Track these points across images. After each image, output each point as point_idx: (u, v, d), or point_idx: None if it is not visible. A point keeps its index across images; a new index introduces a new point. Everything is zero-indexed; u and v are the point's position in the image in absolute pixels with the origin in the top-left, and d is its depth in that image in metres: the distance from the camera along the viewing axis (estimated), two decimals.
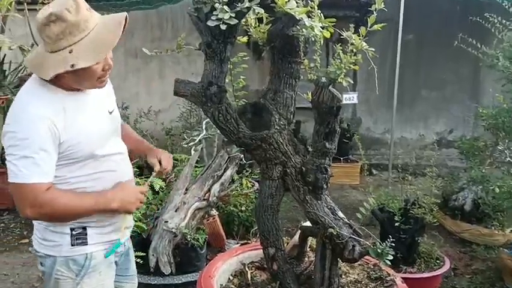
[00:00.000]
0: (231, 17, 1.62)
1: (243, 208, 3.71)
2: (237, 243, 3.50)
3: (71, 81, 1.59)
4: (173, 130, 5.63)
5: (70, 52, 1.51)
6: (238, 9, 1.63)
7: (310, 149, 2.15)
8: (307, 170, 1.96)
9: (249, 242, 3.51)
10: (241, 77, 3.06)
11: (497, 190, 3.30)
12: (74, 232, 1.66)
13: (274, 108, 1.97)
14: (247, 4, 1.64)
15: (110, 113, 1.79)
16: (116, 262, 1.86)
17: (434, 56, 6.54)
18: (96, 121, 1.69)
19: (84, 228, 1.68)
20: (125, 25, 1.60)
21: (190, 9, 1.86)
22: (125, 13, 1.63)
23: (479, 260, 3.91)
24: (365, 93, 6.58)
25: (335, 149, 1.99)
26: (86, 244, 1.68)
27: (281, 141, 1.96)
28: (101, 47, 1.55)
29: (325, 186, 1.98)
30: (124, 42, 6.53)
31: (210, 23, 1.63)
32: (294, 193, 2.00)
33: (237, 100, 3.17)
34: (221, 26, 1.62)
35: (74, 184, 1.64)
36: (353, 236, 1.88)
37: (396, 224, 2.98)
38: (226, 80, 3.16)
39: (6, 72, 4.83)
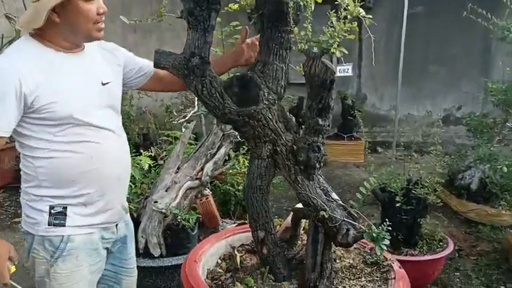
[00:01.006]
0: None
1: (240, 187, 3.59)
2: (234, 223, 3.40)
3: (66, 30, 1.55)
4: (172, 106, 5.50)
5: None
6: None
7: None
8: (298, 149, 1.83)
9: (246, 222, 3.40)
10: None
11: (505, 169, 3.15)
12: (53, 211, 1.59)
13: (262, 82, 1.82)
14: None
15: (104, 84, 1.68)
16: (108, 249, 1.77)
17: (443, 30, 6.29)
18: (80, 84, 1.60)
19: (65, 207, 1.60)
20: None
21: None
22: None
23: (485, 241, 3.78)
24: (370, 69, 6.38)
25: (328, 125, 1.84)
26: (64, 226, 1.60)
27: (270, 117, 1.82)
28: None
29: (317, 166, 1.85)
30: (122, 15, 6.36)
31: None
32: (285, 173, 1.87)
33: (230, 74, 3.00)
34: None
35: (53, 152, 1.55)
36: (347, 220, 1.76)
37: (398, 204, 2.84)
38: (219, 52, 3.03)
39: None
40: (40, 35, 1.56)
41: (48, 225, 1.59)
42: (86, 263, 1.67)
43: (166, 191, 2.72)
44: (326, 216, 1.73)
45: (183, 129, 2.61)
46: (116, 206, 1.75)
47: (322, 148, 1.85)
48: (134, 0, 6.12)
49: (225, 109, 1.79)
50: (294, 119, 2.05)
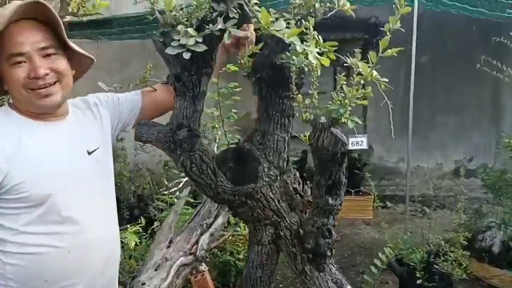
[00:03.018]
0: (197, 42, 1.24)
1: (241, 256, 3.29)
2: None
3: (12, 96, 1.36)
4: (171, 162, 5.24)
5: None
6: (207, 32, 1.25)
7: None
8: (305, 233, 1.55)
9: None
10: (233, 110, 2.67)
11: None
12: None
13: (262, 155, 1.57)
14: (220, 26, 1.26)
15: (90, 153, 1.45)
16: None
17: (449, 79, 6.12)
18: (61, 158, 1.36)
19: None
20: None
21: (155, 33, 1.48)
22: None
23: None
24: (375, 120, 6.16)
25: (340, 204, 1.57)
26: None
27: (271, 196, 1.56)
28: None
29: (329, 254, 1.56)
30: (119, 70, 6.22)
31: (169, 51, 1.25)
32: (290, 262, 1.59)
33: (230, 136, 2.76)
34: (184, 54, 1.23)
35: (26, 247, 1.30)
36: None
37: (419, 281, 2.52)
38: (216, 113, 2.80)
39: None
40: (15, 104, 1.39)
41: None
42: None
43: (156, 269, 2.41)
44: None
45: (175, 200, 2.35)
46: None
47: (333, 232, 1.57)
48: (133, 54, 6.01)
49: (217, 188, 1.53)
50: (300, 185, 1.79)
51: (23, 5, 1.25)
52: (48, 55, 1.33)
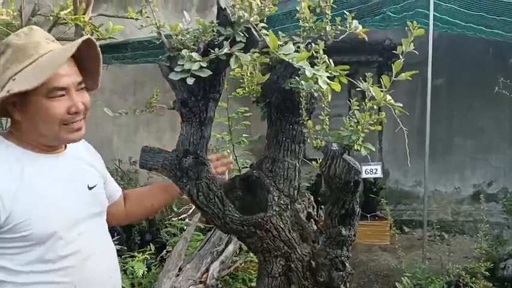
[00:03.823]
0: (202, 67, 1.19)
1: (253, 284, 3.19)
2: None
3: (29, 130, 1.30)
4: None
5: (13, 80, 1.25)
6: (212, 56, 1.20)
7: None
8: (318, 265, 1.47)
9: None
10: (244, 135, 2.62)
11: None
12: None
13: (271, 183, 1.50)
14: (226, 50, 1.22)
15: (90, 188, 1.43)
16: None
17: (467, 102, 6.01)
18: (63, 192, 1.33)
19: None
20: (95, 49, 1.35)
21: (161, 58, 1.45)
22: (87, 36, 1.36)
23: None
24: (391, 143, 6.05)
25: (354, 235, 1.49)
26: None
27: (282, 226, 1.49)
28: (44, 70, 1.24)
29: (342, 287, 1.48)
30: (134, 93, 6.25)
31: (172, 76, 1.21)
32: None
33: (241, 161, 2.72)
34: (188, 79, 1.19)
35: (29, 286, 1.25)
36: None
37: None
38: (227, 138, 2.77)
39: None
40: (15, 134, 1.33)
41: None
42: None
43: None
44: None
45: (185, 227, 2.29)
46: None
47: (347, 264, 1.49)
48: (147, 78, 6.04)
49: (225, 217, 1.47)
50: (313, 208, 1.73)
51: (81, 42, 1.28)
52: (81, 89, 1.34)
